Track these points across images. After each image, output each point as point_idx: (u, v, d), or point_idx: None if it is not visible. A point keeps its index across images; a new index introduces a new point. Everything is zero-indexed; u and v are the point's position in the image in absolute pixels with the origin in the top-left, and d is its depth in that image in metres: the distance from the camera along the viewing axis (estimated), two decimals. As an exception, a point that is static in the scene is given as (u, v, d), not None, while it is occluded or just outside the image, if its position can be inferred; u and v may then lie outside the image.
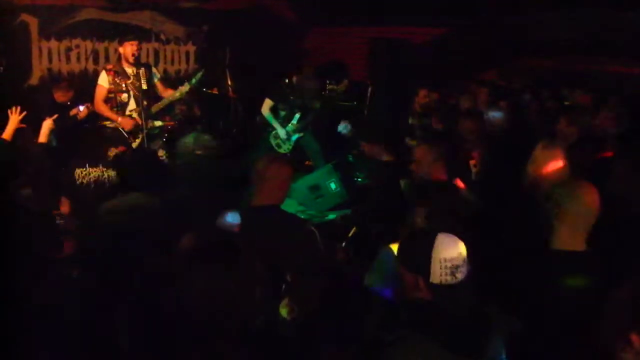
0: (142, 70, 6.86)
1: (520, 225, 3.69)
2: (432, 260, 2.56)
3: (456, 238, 2.60)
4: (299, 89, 8.01)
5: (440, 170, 4.48)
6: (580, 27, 7.72)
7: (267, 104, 7.98)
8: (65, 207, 4.32)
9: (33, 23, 9.63)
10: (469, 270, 2.60)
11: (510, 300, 2.93)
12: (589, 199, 3.07)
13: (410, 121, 7.91)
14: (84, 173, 4.85)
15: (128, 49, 6.81)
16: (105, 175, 5.36)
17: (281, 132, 7.96)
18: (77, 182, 4.87)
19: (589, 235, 3.05)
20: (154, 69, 7.33)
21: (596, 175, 3.30)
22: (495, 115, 6.31)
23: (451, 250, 2.57)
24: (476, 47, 9.04)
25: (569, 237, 3.04)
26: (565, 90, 8.00)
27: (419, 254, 2.61)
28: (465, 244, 2.63)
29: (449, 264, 2.56)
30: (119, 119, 6.79)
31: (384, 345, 2.49)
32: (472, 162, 5.24)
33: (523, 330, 2.80)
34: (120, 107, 6.84)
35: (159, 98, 7.03)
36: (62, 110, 8.08)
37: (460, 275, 2.56)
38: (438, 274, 2.56)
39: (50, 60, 9.87)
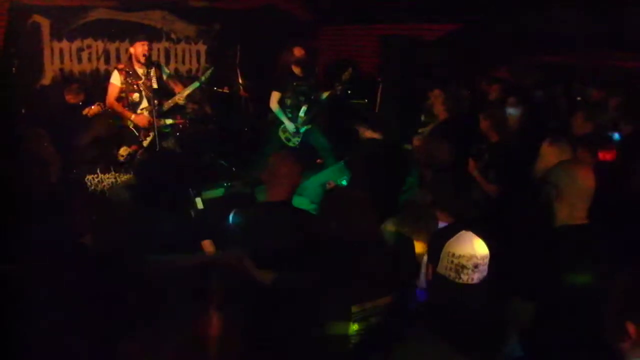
0: (152, 70, 6.90)
1: (531, 220, 3.70)
2: (443, 249, 2.60)
3: (476, 242, 2.58)
4: (292, 71, 7.95)
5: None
6: (592, 23, 7.66)
7: (275, 96, 7.97)
8: None
9: (45, 24, 9.67)
10: (480, 278, 2.58)
11: (521, 283, 2.97)
12: (585, 178, 3.16)
13: (422, 118, 7.88)
14: (96, 180, 4.78)
15: (139, 49, 6.85)
16: (119, 181, 5.29)
17: (289, 126, 7.94)
18: (89, 189, 4.81)
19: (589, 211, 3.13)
20: (164, 67, 7.36)
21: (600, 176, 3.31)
22: (512, 112, 6.28)
23: (462, 248, 2.56)
24: (488, 44, 9.00)
25: (568, 215, 3.11)
26: (577, 86, 7.95)
27: (437, 242, 2.68)
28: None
29: (455, 260, 2.56)
30: (132, 116, 6.82)
31: (398, 341, 2.51)
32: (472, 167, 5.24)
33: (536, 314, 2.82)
34: (132, 107, 6.88)
35: (170, 95, 7.06)
36: (73, 111, 8.15)
37: (465, 278, 2.55)
38: (443, 266, 2.59)
39: (62, 61, 9.91)
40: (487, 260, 2.58)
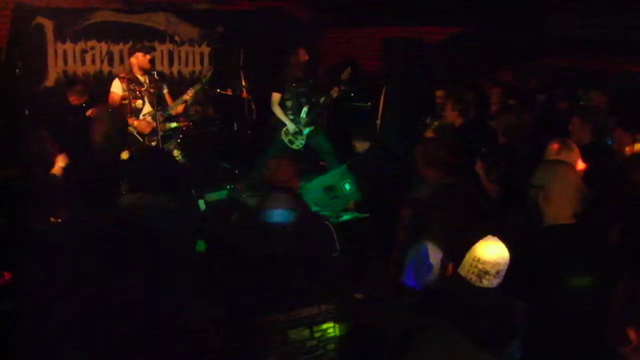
0: (154, 77, 6.90)
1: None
2: (468, 253, 2.64)
3: (501, 249, 2.63)
4: (296, 73, 7.96)
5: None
6: (597, 26, 7.66)
7: (275, 98, 7.96)
8: None
9: (49, 26, 9.69)
10: (499, 282, 2.62)
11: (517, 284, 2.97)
12: (569, 176, 3.15)
13: (427, 121, 7.85)
14: None
15: (140, 59, 6.86)
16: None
17: (291, 126, 7.92)
18: None
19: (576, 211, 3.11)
20: (166, 76, 7.37)
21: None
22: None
23: (488, 255, 2.61)
24: (491, 47, 8.99)
25: (555, 215, 3.09)
26: (580, 90, 7.93)
27: (462, 243, 2.71)
28: None
29: (480, 266, 2.61)
30: (135, 122, 6.82)
31: (407, 332, 2.55)
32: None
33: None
34: (135, 113, 6.87)
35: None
36: (76, 112, 8.18)
37: (486, 283, 2.62)
38: (466, 269, 2.64)
39: (65, 62, 9.92)
40: (507, 266, 2.64)
